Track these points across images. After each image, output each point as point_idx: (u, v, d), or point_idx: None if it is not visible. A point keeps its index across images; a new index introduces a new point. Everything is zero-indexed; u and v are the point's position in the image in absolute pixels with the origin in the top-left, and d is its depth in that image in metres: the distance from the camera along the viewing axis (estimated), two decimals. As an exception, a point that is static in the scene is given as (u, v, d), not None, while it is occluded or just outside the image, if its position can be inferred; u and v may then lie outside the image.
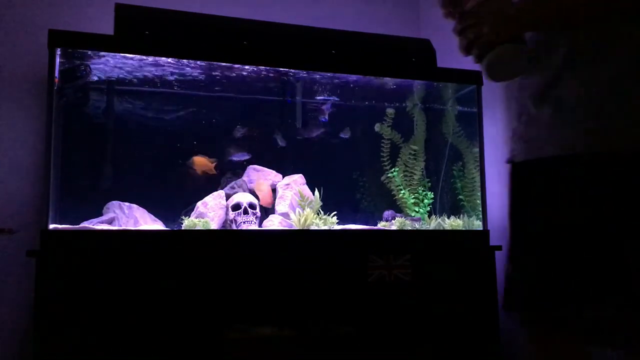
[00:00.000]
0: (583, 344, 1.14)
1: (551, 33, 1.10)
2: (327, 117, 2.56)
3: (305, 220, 2.17)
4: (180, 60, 2.12)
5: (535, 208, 1.13)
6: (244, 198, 2.23)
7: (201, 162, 2.32)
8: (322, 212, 2.25)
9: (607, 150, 1.02)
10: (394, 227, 2.30)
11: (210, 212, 2.18)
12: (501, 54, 1.07)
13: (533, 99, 1.13)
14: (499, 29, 1.06)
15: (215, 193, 2.25)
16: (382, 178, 2.50)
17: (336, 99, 2.60)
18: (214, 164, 2.33)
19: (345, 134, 2.55)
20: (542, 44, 1.12)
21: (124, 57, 2.07)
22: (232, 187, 2.33)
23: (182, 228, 2.06)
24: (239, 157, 2.43)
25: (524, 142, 1.14)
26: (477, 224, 2.33)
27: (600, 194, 1.04)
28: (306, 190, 2.37)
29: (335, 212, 2.25)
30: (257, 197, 2.31)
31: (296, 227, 2.18)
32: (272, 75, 2.34)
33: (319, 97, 2.58)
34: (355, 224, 2.37)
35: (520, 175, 1.18)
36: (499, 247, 2.18)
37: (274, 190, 2.40)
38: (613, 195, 1.03)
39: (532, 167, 1.13)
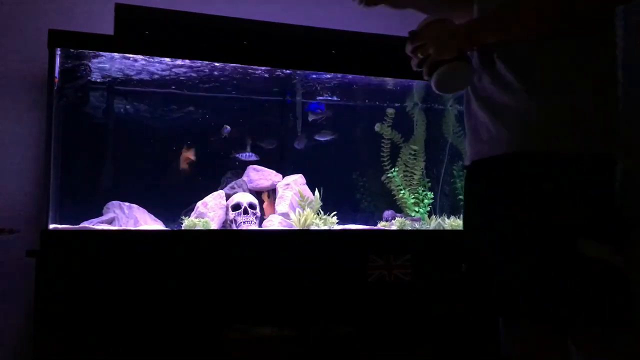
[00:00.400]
0: (558, 340, 1.16)
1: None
2: (320, 119, 2.55)
3: (305, 220, 2.17)
4: (181, 60, 2.12)
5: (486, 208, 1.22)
6: (244, 198, 2.23)
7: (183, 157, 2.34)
8: (322, 212, 2.25)
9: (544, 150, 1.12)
10: (394, 227, 2.30)
11: (210, 212, 2.18)
12: (446, 72, 1.22)
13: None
14: (441, 49, 1.20)
15: (215, 193, 2.25)
16: (383, 178, 2.50)
17: (336, 99, 2.60)
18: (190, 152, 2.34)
19: (322, 137, 2.51)
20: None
21: (124, 56, 2.07)
22: (232, 187, 2.33)
23: (182, 228, 2.06)
24: (246, 157, 2.42)
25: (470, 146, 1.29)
26: (477, 224, 2.32)
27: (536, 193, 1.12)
28: (306, 190, 2.37)
29: (335, 212, 2.25)
30: (259, 197, 2.31)
31: (296, 227, 2.18)
32: (272, 75, 2.34)
33: (319, 97, 2.58)
34: (355, 224, 2.37)
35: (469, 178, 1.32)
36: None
37: (274, 191, 2.40)
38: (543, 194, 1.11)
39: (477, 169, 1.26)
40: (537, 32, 1.14)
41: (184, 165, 2.35)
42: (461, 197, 2.48)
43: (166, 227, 2.19)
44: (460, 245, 1.32)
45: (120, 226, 2.10)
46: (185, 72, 2.27)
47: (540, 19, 1.12)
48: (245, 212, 2.19)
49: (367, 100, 2.64)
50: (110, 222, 2.10)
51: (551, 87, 1.13)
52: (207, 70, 2.26)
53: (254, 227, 2.18)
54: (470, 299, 1.31)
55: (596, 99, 1.13)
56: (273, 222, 2.25)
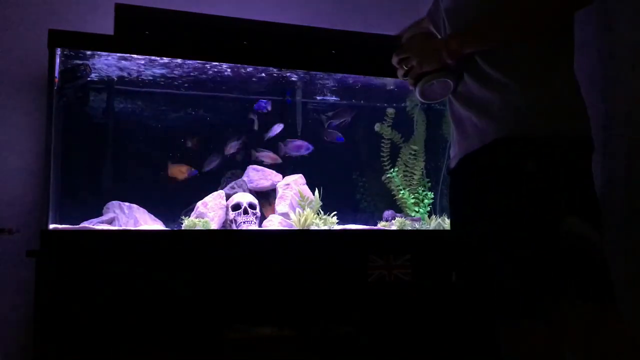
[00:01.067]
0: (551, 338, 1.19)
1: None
2: (342, 122, 2.52)
3: (305, 220, 2.17)
4: (180, 60, 2.12)
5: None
6: (244, 198, 2.23)
7: (176, 171, 2.33)
8: (322, 212, 2.25)
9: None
10: (394, 227, 2.30)
11: (210, 212, 2.18)
12: (429, 83, 1.32)
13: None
14: (424, 62, 1.30)
15: (215, 193, 2.25)
16: (383, 178, 2.50)
17: (336, 98, 2.60)
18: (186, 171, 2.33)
19: (272, 133, 2.42)
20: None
21: (124, 56, 2.07)
22: (232, 187, 2.33)
23: (182, 228, 2.06)
24: (273, 131, 2.41)
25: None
26: (477, 224, 2.33)
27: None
28: (306, 190, 2.37)
29: (335, 212, 2.25)
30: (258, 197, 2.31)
31: (296, 227, 2.18)
32: (273, 75, 2.34)
33: (318, 97, 2.58)
34: (355, 224, 2.37)
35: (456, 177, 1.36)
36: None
37: (274, 191, 2.40)
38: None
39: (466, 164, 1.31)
40: (515, 40, 1.25)
41: (175, 174, 2.34)
42: (461, 197, 2.48)
43: (166, 227, 2.19)
44: (450, 249, 1.36)
45: (120, 226, 2.10)
46: (185, 72, 2.27)
47: (519, 30, 1.24)
48: (245, 212, 2.19)
49: (367, 101, 2.64)
50: (110, 222, 2.10)
51: (531, 79, 1.23)
52: (207, 70, 2.26)
53: (254, 227, 2.18)
54: (464, 306, 1.35)
55: (569, 89, 1.26)
56: (273, 222, 2.25)
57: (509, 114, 1.22)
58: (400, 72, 1.38)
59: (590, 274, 1.15)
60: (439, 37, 1.41)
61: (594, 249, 1.15)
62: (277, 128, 2.40)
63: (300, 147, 2.44)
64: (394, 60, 1.38)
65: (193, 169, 2.33)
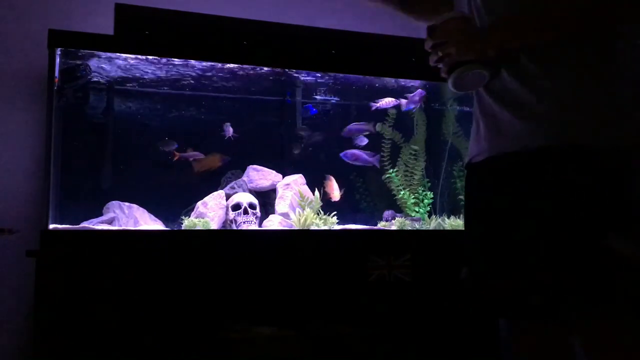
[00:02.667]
0: (563, 336, 1.16)
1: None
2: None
3: (305, 220, 2.17)
4: (180, 60, 2.12)
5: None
6: (244, 198, 2.23)
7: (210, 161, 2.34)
8: (322, 212, 2.25)
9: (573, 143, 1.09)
10: (394, 227, 2.30)
11: (210, 212, 2.18)
12: (466, 73, 1.20)
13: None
14: (464, 51, 1.17)
15: (215, 193, 2.25)
16: (383, 178, 2.50)
17: (336, 98, 2.60)
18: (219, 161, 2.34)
19: (227, 132, 2.38)
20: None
21: (124, 56, 2.07)
22: (232, 187, 2.33)
23: (182, 228, 2.06)
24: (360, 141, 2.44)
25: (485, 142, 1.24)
26: (477, 224, 2.32)
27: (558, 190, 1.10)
28: (306, 190, 2.37)
29: (335, 212, 2.25)
30: (258, 197, 2.31)
31: (296, 227, 2.18)
32: (272, 75, 2.34)
33: (318, 97, 2.58)
34: (355, 224, 2.37)
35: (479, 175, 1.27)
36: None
37: (274, 191, 2.40)
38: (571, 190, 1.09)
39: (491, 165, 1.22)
40: (565, 37, 1.12)
41: (210, 164, 2.35)
42: (461, 197, 2.48)
43: (166, 227, 2.19)
44: (463, 245, 1.29)
45: (120, 226, 2.10)
46: (185, 72, 2.27)
47: (570, 24, 1.11)
48: (245, 212, 2.19)
49: (367, 101, 2.64)
50: (110, 222, 2.10)
51: (587, 82, 1.11)
52: (207, 70, 2.26)
53: (254, 227, 2.18)
54: (471, 304, 1.28)
55: (632, 94, 1.13)
56: (273, 222, 2.25)
57: (559, 120, 1.10)
58: (433, 58, 1.24)
59: (628, 290, 1.07)
60: (477, 21, 1.25)
61: (634, 267, 1.06)
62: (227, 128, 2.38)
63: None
64: (428, 45, 1.23)
65: (225, 156, 2.35)
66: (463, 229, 2.31)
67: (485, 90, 1.24)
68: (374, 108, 2.43)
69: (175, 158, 2.27)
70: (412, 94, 2.44)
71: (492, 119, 1.21)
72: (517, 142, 1.15)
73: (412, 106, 2.45)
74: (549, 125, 1.11)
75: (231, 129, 2.36)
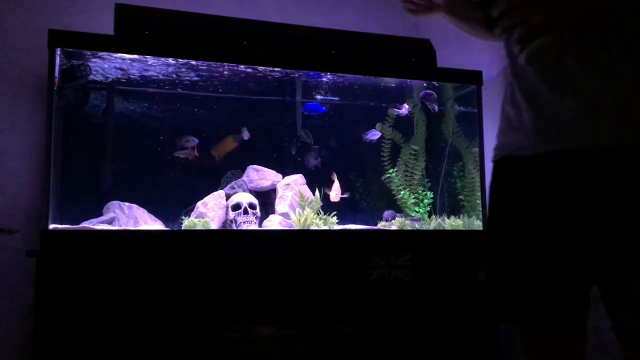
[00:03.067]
0: (576, 343, 1.15)
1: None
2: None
3: (305, 220, 2.17)
4: (180, 60, 2.12)
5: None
6: (244, 198, 2.23)
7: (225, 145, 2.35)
8: (322, 212, 2.25)
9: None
10: (394, 227, 2.30)
11: (210, 212, 2.18)
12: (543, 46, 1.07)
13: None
14: (550, 18, 1.06)
15: (215, 193, 2.25)
16: (383, 178, 2.50)
17: (336, 98, 2.60)
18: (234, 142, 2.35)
19: (244, 136, 2.39)
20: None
21: (124, 56, 2.07)
22: (232, 187, 2.33)
23: (182, 228, 2.06)
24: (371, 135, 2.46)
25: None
26: (477, 224, 2.33)
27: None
28: (306, 190, 2.37)
29: (335, 212, 2.25)
30: (258, 197, 2.31)
31: (296, 227, 2.18)
32: (272, 75, 2.34)
33: (319, 97, 2.58)
34: (355, 224, 2.37)
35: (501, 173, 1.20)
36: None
37: (274, 191, 2.40)
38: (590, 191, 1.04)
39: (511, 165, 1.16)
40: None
41: (226, 148, 2.35)
42: (461, 197, 2.48)
43: (166, 227, 2.19)
44: (487, 247, 1.21)
45: (120, 226, 2.10)
46: (185, 72, 2.27)
47: None
48: (245, 212, 2.19)
49: (367, 101, 2.64)
50: (110, 222, 2.10)
51: None
52: (207, 70, 2.26)
53: (254, 227, 2.18)
54: (487, 306, 1.22)
55: None
56: (273, 222, 2.25)
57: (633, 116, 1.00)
58: (505, 22, 1.10)
59: None
60: None
61: None
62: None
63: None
64: (499, 5, 1.09)
65: (237, 136, 2.35)
66: (464, 229, 2.31)
67: (534, 70, 1.12)
68: (396, 114, 2.45)
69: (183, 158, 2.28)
70: (424, 95, 2.45)
71: (544, 105, 1.10)
72: (588, 134, 1.03)
73: (435, 105, 2.47)
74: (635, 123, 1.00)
75: (248, 133, 2.38)
